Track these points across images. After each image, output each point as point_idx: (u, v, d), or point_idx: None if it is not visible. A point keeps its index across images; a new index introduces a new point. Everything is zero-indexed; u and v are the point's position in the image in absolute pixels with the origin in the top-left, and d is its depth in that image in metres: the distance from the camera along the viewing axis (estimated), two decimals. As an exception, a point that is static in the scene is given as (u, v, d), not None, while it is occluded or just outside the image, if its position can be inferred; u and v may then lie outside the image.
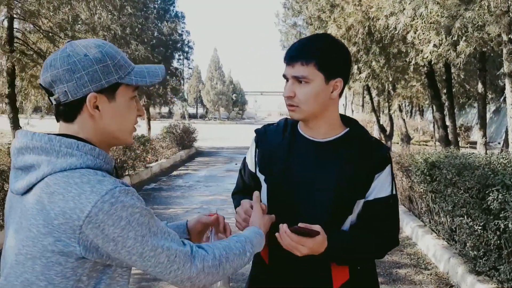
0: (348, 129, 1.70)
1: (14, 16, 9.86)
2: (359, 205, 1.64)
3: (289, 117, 1.78)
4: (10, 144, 8.34)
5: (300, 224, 1.49)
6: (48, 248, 1.10)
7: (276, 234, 1.52)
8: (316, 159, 1.65)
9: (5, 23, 9.99)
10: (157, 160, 13.09)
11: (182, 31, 20.85)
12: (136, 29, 15.07)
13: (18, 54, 9.86)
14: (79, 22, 11.05)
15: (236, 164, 14.51)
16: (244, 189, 1.91)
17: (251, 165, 1.85)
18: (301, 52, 1.57)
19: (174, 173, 12.57)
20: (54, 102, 1.21)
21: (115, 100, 1.22)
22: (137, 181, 10.50)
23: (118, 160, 9.80)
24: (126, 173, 10.28)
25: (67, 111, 1.21)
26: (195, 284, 1.25)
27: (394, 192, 1.66)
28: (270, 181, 1.72)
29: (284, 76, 1.63)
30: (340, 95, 1.67)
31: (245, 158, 1.92)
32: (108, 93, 1.21)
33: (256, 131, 1.88)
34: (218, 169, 13.45)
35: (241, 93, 61.36)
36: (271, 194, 1.71)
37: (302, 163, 1.66)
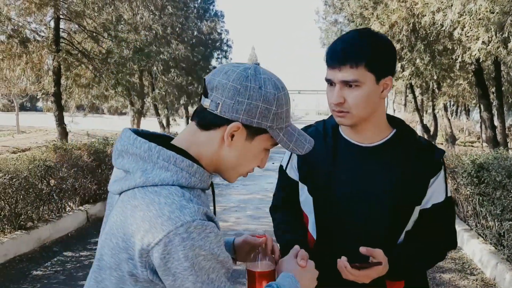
0: (395, 130, 1.59)
1: (61, 17, 10.16)
2: (415, 212, 1.55)
3: (325, 119, 1.70)
4: (55, 141, 8.59)
5: (361, 249, 1.42)
6: (123, 263, 1.08)
7: (338, 265, 1.42)
8: (365, 166, 1.54)
9: (52, 24, 10.32)
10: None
11: (221, 30, 20.98)
12: (177, 29, 15.27)
13: (64, 54, 10.16)
14: (122, 22, 11.28)
15: (273, 163, 14.35)
16: (286, 201, 1.77)
17: (290, 172, 1.74)
18: (349, 53, 1.42)
19: (213, 171, 12.61)
20: (202, 103, 1.15)
21: (250, 142, 1.17)
22: (176, 179, 10.60)
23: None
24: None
25: (207, 119, 1.15)
26: None
27: (449, 194, 1.59)
28: (316, 193, 1.61)
29: (329, 80, 1.48)
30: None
31: (281, 166, 1.79)
32: (251, 132, 1.15)
33: None
34: (255, 168, 13.45)
35: (279, 92, 61.32)
36: (318, 207, 1.60)
37: (349, 171, 1.55)
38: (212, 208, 1.21)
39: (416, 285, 1.63)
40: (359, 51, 1.42)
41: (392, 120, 1.62)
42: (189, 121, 1.24)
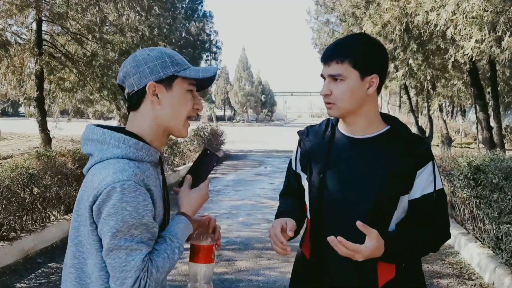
0: (389, 127, 1.73)
1: (43, 18, 9.95)
2: (402, 201, 1.66)
3: (330, 117, 1.84)
4: (38, 148, 8.37)
5: (357, 223, 1.53)
6: (88, 219, 1.37)
7: (330, 240, 1.54)
8: (356, 156, 1.70)
9: (34, 26, 10.09)
10: (184, 164, 12.99)
11: (210, 31, 20.90)
12: (164, 30, 15.07)
13: (47, 57, 9.95)
14: (107, 24, 11.08)
15: (265, 168, 14.30)
16: (289, 189, 1.99)
17: (294, 165, 1.94)
18: (336, 51, 1.66)
19: (202, 176, 12.43)
20: (125, 95, 1.51)
21: (171, 90, 1.46)
22: (165, 185, 10.40)
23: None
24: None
25: (134, 100, 1.48)
26: None
27: (438, 187, 1.68)
28: (311, 179, 1.77)
29: (322, 75, 1.70)
30: (379, 91, 1.71)
31: (290, 159, 1.99)
32: (166, 83, 1.45)
33: (299, 132, 1.93)
34: (246, 173, 13.26)
35: (270, 94, 60.75)
36: (311, 192, 1.76)
37: (342, 160, 1.72)
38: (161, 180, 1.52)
39: (410, 281, 1.73)
40: (344, 49, 1.65)
41: (387, 118, 1.78)
42: None
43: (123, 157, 1.39)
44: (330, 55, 1.65)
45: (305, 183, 1.83)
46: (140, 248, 1.34)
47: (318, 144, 1.79)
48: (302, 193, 1.87)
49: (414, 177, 1.64)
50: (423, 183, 1.64)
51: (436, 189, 1.67)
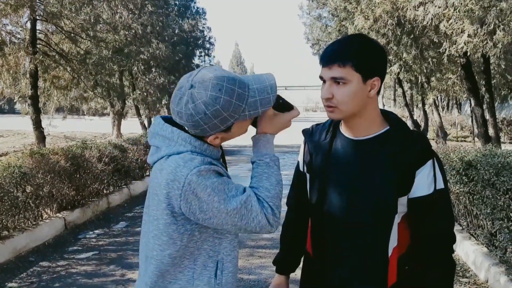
0: (388, 127, 1.69)
1: (37, 18, 9.93)
2: (401, 202, 1.62)
3: None
4: (32, 145, 8.32)
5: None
6: (164, 212, 1.50)
7: None
8: (356, 157, 1.68)
9: (28, 25, 10.08)
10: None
11: (203, 27, 20.81)
12: (157, 27, 14.99)
13: (41, 56, 9.92)
14: (100, 22, 11.05)
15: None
16: (296, 192, 1.98)
17: (301, 165, 1.94)
18: (338, 54, 1.59)
19: (197, 172, 12.37)
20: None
21: (230, 132, 1.55)
22: (160, 181, 10.34)
23: (139, 160, 9.74)
24: (147, 173, 10.17)
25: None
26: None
27: (439, 187, 1.61)
28: (312, 179, 1.79)
29: (321, 77, 1.64)
30: (378, 92, 1.66)
31: (298, 162, 1.99)
32: (226, 129, 1.53)
33: (303, 131, 1.92)
34: (240, 168, 13.16)
35: (265, 89, 60.70)
36: (312, 193, 1.77)
37: (342, 161, 1.70)
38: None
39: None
40: (347, 52, 1.57)
41: (387, 117, 1.73)
42: None
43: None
44: (332, 57, 1.59)
45: (308, 183, 1.83)
46: (246, 197, 1.51)
47: (319, 144, 1.79)
48: (306, 195, 1.86)
49: (414, 176, 1.60)
50: (423, 182, 1.60)
51: (437, 189, 1.61)
